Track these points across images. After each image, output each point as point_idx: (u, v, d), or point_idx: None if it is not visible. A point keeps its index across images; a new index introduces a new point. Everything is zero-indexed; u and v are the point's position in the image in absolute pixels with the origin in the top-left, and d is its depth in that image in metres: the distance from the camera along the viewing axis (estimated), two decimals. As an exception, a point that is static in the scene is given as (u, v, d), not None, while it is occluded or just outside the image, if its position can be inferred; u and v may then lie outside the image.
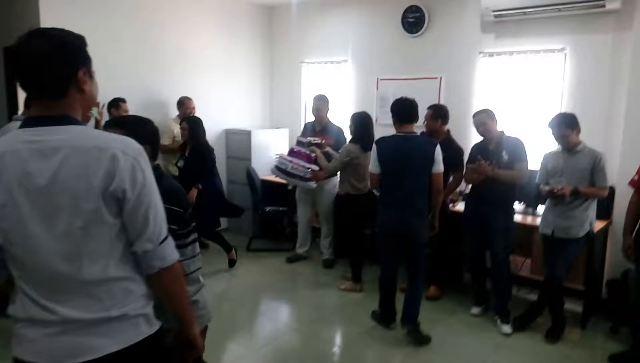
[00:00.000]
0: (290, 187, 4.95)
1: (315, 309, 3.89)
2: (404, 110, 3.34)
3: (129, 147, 1.22)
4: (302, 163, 4.49)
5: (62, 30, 1.23)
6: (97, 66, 1.31)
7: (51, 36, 1.20)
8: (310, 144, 4.61)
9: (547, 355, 3.20)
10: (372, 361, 3.22)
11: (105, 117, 4.23)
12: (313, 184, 4.51)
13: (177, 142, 4.76)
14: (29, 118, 1.23)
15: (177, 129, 4.81)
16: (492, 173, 3.43)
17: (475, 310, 3.78)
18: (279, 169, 4.63)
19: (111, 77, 4.03)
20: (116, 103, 4.38)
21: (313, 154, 4.52)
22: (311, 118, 5.06)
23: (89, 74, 1.26)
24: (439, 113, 3.89)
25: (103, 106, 4.24)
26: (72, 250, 1.18)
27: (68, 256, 1.18)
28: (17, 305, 1.24)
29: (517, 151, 3.47)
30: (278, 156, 4.72)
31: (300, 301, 4.15)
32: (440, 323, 3.60)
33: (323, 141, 4.66)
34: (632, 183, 3.22)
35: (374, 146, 3.40)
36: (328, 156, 4.52)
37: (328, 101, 4.85)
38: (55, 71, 1.19)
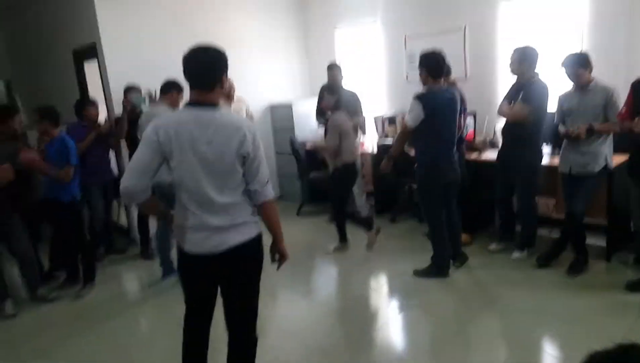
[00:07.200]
0: None
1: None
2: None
3: (251, 126, 1.98)
4: None
5: (217, 47, 1.94)
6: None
7: (212, 52, 1.92)
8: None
9: (567, 286, 3.35)
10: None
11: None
12: None
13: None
14: (190, 102, 1.96)
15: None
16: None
17: (492, 246, 3.99)
18: None
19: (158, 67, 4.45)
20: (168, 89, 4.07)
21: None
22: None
23: (226, 77, 1.97)
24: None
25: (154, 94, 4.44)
26: (219, 185, 1.93)
27: (216, 189, 1.93)
28: (181, 218, 1.99)
29: (530, 94, 3.52)
30: None
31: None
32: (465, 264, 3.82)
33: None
34: (619, 116, 3.17)
35: None
36: None
37: (341, 69, 5.15)
38: (212, 74, 1.92)
